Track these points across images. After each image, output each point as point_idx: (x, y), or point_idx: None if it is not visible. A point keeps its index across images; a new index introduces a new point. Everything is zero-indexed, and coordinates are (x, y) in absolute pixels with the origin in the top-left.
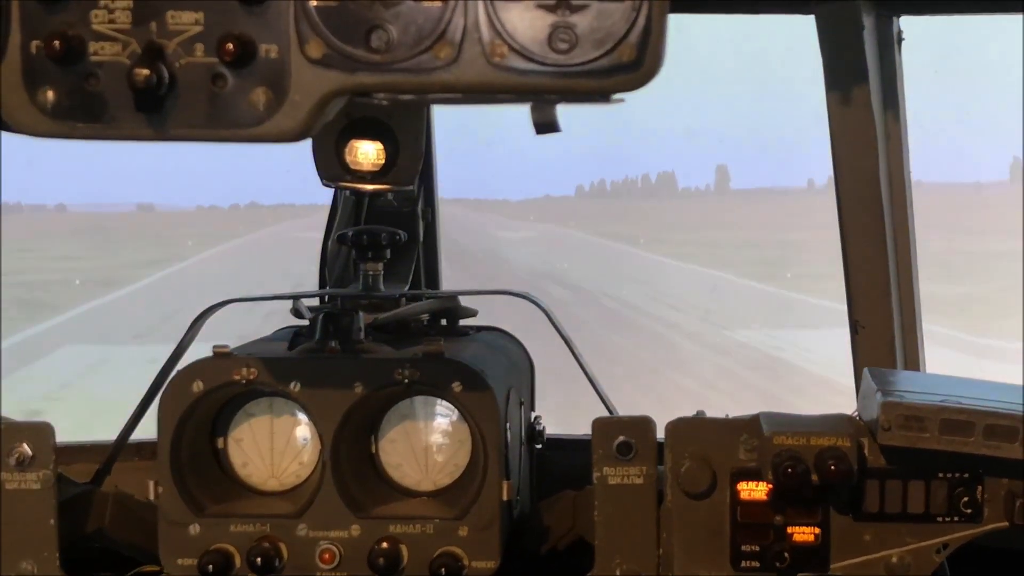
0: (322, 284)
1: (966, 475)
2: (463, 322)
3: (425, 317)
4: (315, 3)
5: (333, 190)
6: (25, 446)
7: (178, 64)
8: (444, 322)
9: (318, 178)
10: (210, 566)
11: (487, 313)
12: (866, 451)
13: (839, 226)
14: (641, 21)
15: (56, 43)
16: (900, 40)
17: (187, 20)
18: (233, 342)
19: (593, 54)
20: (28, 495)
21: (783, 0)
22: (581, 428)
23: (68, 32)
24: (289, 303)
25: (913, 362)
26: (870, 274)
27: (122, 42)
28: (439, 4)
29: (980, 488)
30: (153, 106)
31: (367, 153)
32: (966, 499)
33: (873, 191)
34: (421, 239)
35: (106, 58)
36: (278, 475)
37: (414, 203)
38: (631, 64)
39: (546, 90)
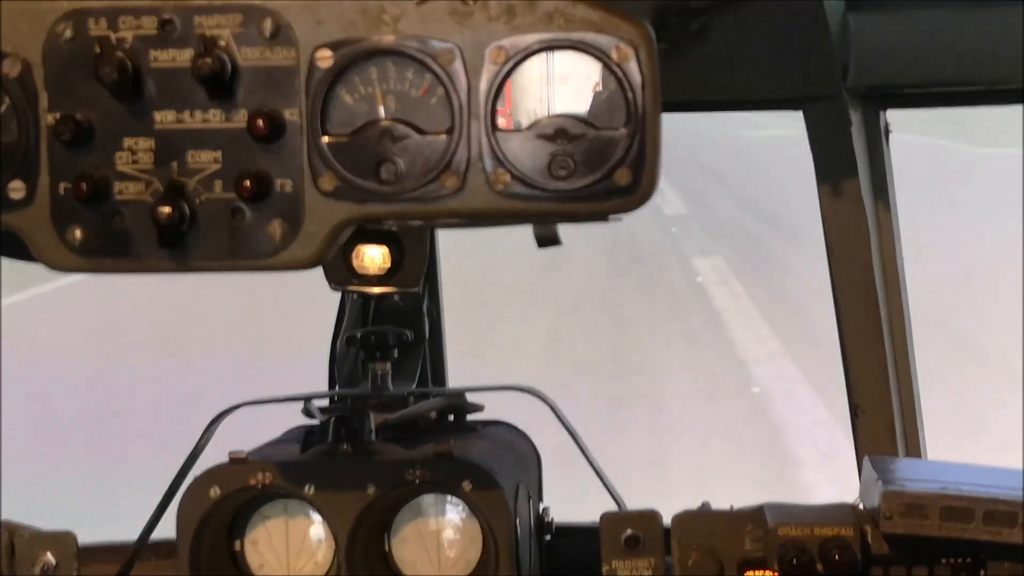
0: (331, 384)
1: (968, 560)
2: (470, 417)
3: (433, 414)
4: (327, 140)
5: (340, 293)
6: (49, 555)
7: (199, 201)
8: (452, 418)
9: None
10: None
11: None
12: (869, 539)
13: (835, 313)
14: (636, 147)
15: (83, 184)
16: (887, 133)
17: (206, 159)
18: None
19: (591, 179)
20: None
21: (773, 99)
22: None
23: (94, 174)
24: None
25: (914, 445)
26: (867, 360)
27: (145, 181)
28: (444, 137)
29: (983, 573)
30: (176, 241)
31: (373, 257)
32: None
33: (867, 279)
34: (427, 337)
35: (130, 197)
36: (294, 575)
37: (420, 302)
38: (627, 188)
39: (547, 214)
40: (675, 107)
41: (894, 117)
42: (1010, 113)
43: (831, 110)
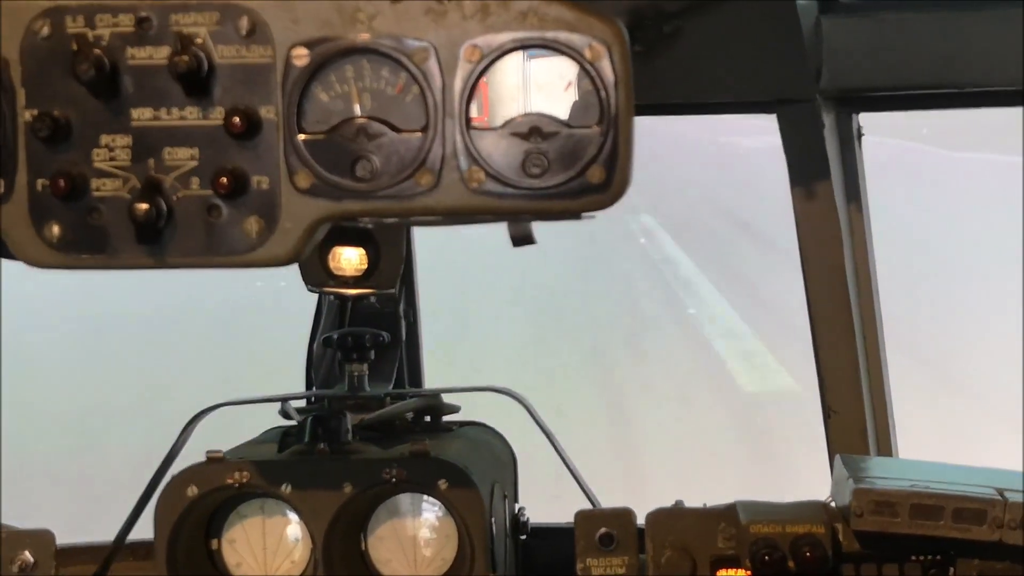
0: (308, 385)
1: (938, 557)
2: (446, 418)
3: (410, 415)
4: (303, 137)
5: (317, 295)
6: (27, 554)
7: (175, 197)
8: (428, 419)
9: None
10: None
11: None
12: (840, 537)
13: (808, 315)
14: (609, 145)
15: (61, 181)
16: (860, 135)
17: (183, 156)
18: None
19: (564, 177)
20: None
21: (747, 103)
22: None
23: (72, 171)
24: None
25: (885, 446)
26: (840, 362)
27: (122, 178)
28: (419, 135)
29: (952, 570)
30: (153, 237)
31: (350, 259)
32: None
33: (839, 281)
34: (404, 339)
35: (107, 193)
36: (271, 574)
37: (396, 304)
38: (600, 185)
39: (521, 211)
40: (649, 110)
41: (865, 117)
42: (983, 116)
43: (804, 113)
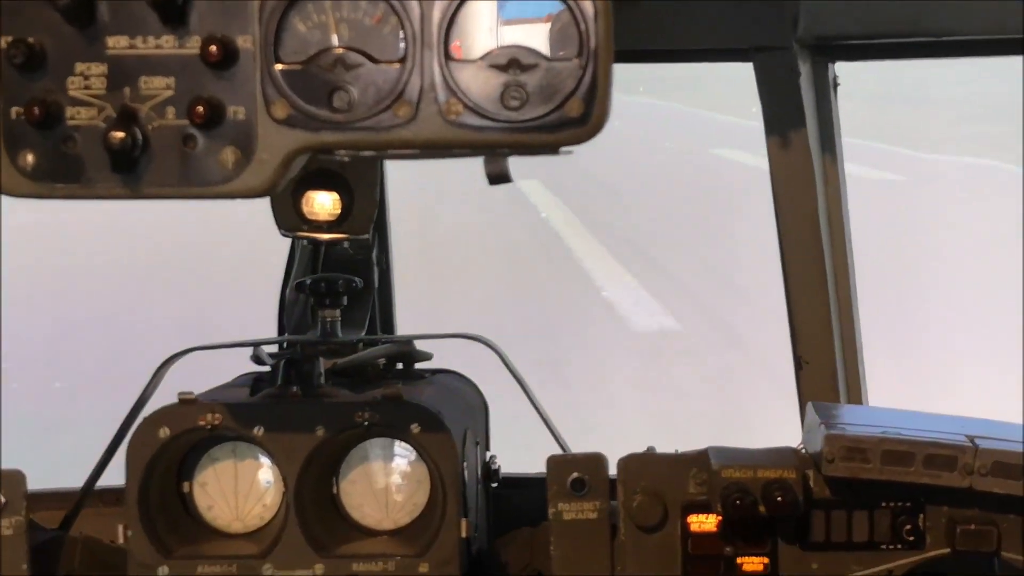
0: (280, 331)
1: (908, 504)
2: (418, 365)
3: (382, 361)
4: (280, 67)
5: (290, 240)
6: None
7: (151, 127)
8: (400, 366)
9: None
10: None
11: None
12: (811, 483)
13: (781, 265)
14: (588, 78)
15: (35, 109)
16: (836, 85)
17: (159, 85)
18: None
19: (543, 110)
20: (1, 541)
21: (723, 50)
22: None
23: (46, 98)
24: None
25: (856, 396)
26: (812, 311)
27: (97, 107)
28: (397, 66)
29: (922, 516)
30: (128, 167)
31: (323, 204)
32: (908, 527)
33: (813, 231)
34: (376, 286)
35: (82, 122)
36: (242, 517)
37: (369, 251)
38: (579, 119)
39: (499, 145)
40: (625, 56)
41: None
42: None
43: (781, 61)
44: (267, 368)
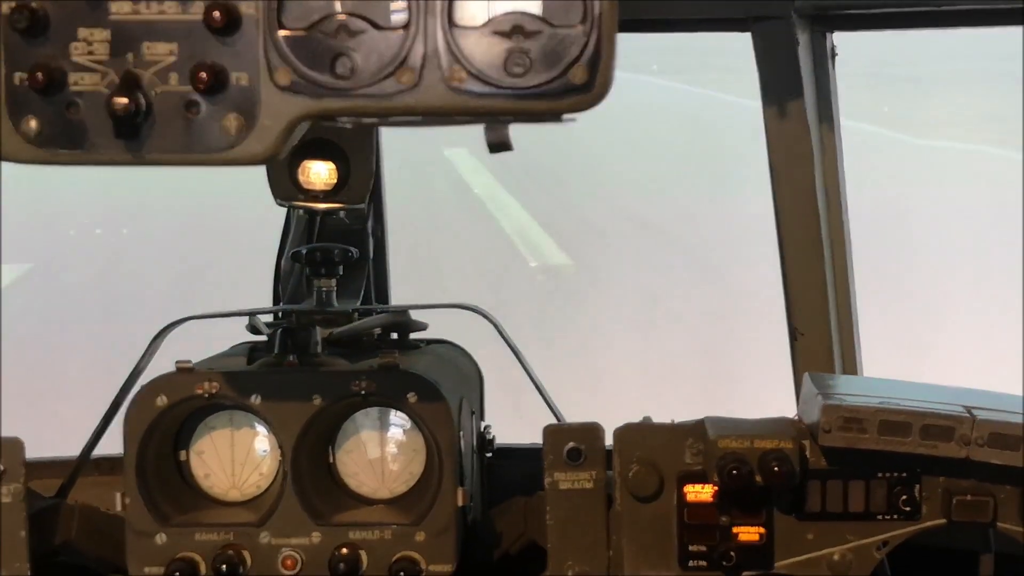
0: (276, 301)
1: (904, 474)
2: (414, 336)
3: (377, 331)
4: (284, 33)
5: (286, 209)
6: None
7: (154, 93)
8: (395, 336)
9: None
10: (177, 574)
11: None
12: (808, 453)
13: (777, 236)
14: (592, 44)
15: (39, 74)
16: (834, 55)
17: (162, 51)
18: None
19: (547, 77)
20: (0, 508)
21: (721, 20)
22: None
23: (50, 64)
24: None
25: (851, 366)
26: (807, 283)
27: (101, 72)
28: (400, 32)
29: (918, 487)
30: (131, 133)
31: (319, 173)
32: (905, 497)
33: (809, 202)
34: (372, 256)
35: (86, 88)
36: (239, 486)
37: (365, 221)
38: (583, 86)
39: (502, 112)
40: (623, 26)
41: None
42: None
43: (779, 31)
44: (263, 337)
